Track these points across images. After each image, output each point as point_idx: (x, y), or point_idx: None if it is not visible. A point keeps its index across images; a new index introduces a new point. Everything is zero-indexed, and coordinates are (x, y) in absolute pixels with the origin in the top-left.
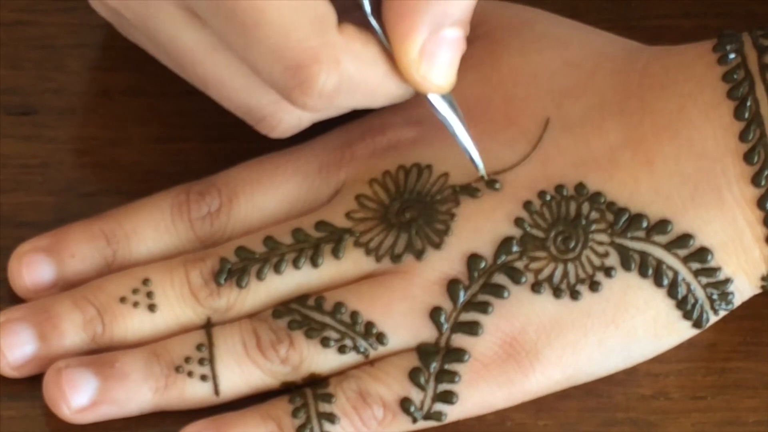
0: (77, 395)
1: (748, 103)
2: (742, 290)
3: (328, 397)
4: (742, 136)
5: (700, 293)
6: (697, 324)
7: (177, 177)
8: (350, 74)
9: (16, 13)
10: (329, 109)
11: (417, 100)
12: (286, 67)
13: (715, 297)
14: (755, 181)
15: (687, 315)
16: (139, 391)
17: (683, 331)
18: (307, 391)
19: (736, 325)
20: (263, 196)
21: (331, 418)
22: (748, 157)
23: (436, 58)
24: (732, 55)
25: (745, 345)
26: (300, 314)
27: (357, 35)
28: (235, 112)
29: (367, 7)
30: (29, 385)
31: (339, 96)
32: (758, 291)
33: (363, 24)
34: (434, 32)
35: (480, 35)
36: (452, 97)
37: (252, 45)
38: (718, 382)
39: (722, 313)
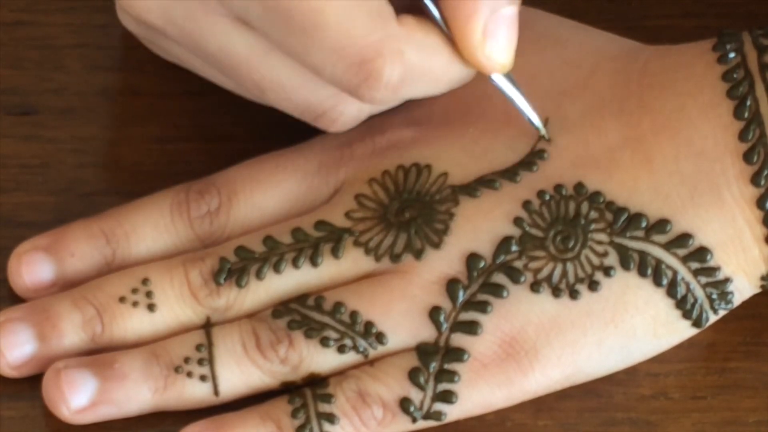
0: (76, 396)
1: (748, 103)
2: (742, 290)
3: (328, 398)
4: (742, 136)
5: (699, 293)
6: (696, 323)
7: (177, 177)
8: (414, 64)
9: (16, 13)
10: (395, 100)
11: (416, 101)
12: (350, 64)
13: (714, 296)
14: (755, 180)
15: (686, 314)
16: (138, 392)
17: (683, 330)
18: (306, 392)
19: (736, 325)
20: (263, 196)
21: (330, 418)
22: (747, 157)
23: (498, 36)
24: (732, 54)
25: (745, 345)
26: (299, 314)
27: (416, 25)
28: (293, 112)
29: (430, 3)
30: (29, 385)
31: (405, 86)
32: (758, 290)
33: (420, 13)
34: (494, 12)
35: None
36: (510, 73)
37: (312, 46)
38: (718, 382)
39: (722, 313)
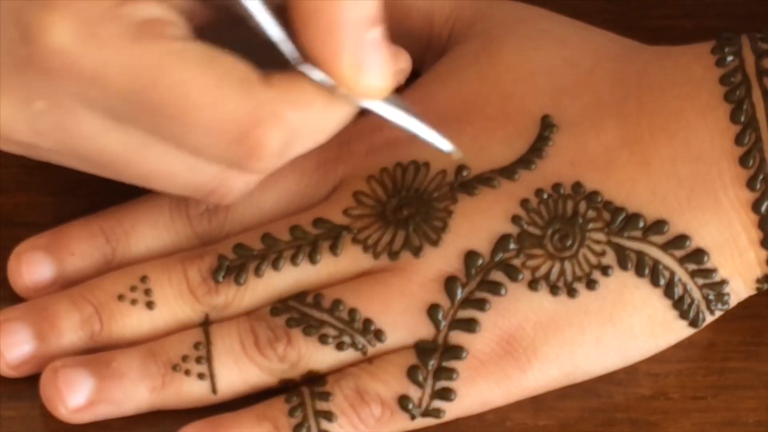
0: (74, 395)
1: (744, 107)
2: (738, 291)
3: (326, 396)
4: (738, 140)
5: (696, 294)
6: (693, 323)
7: None
8: (293, 123)
9: None
10: (281, 163)
11: (414, 99)
12: (230, 141)
13: (711, 297)
14: (750, 184)
15: (683, 315)
16: (135, 391)
17: (680, 330)
18: (304, 390)
19: (735, 325)
20: (261, 193)
21: (328, 416)
22: (743, 161)
23: (370, 64)
24: (730, 58)
25: (744, 345)
26: (298, 311)
27: (285, 82)
28: (183, 194)
29: (290, 52)
30: (29, 385)
31: (290, 148)
32: (753, 292)
33: (284, 67)
34: (359, 42)
35: (478, 32)
36: (394, 95)
37: (188, 131)
38: (718, 382)
39: (718, 313)
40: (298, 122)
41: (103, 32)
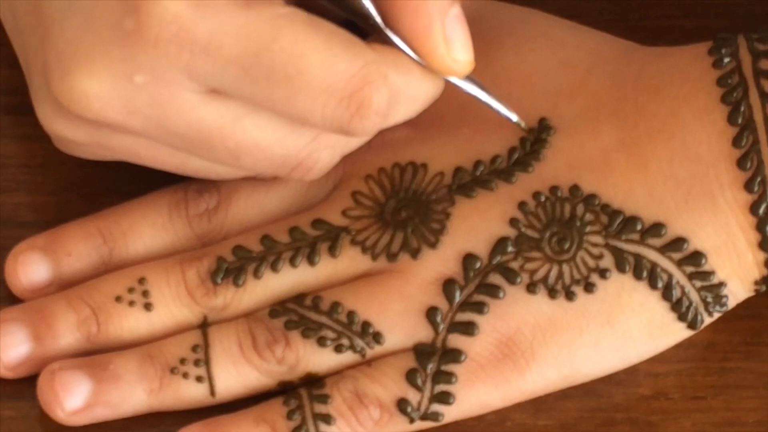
0: (71, 397)
1: (742, 109)
2: (736, 293)
3: (324, 398)
4: (735, 142)
5: (694, 296)
6: (691, 326)
7: (177, 177)
8: (397, 85)
9: None
10: (379, 128)
11: None
12: (340, 99)
13: (709, 300)
14: (748, 186)
15: (682, 317)
16: (133, 393)
17: (678, 332)
18: (302, 393)
19: (735, 325)
20: (261, 194)
21: (327, 419)
22: (741, 163)
23: (456, 38)
24: (727, 59)
25: (744, 345)
26: (297, 314)
27: (385, 48)
28: (267, 171)
29: (380, 21)
30: (29, 385)
31: (391, 111)
32: (752, 294)
33: (377, 39)
34: (445, 17)
35: (474, 34)
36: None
37: (300, 93)
38: (718, 382)
39: (716, 315)
40: (402, 85)
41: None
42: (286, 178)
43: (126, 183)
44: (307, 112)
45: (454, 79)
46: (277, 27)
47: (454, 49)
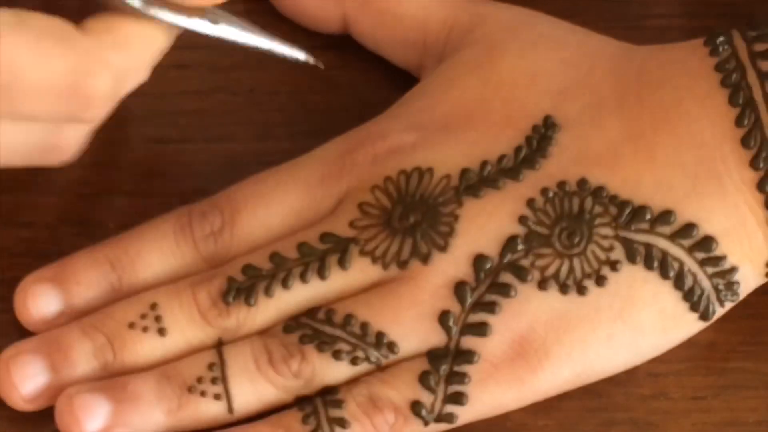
0: (91, 420)
1: (742, 89)
2: (747, 279)
3: (339, 403)
4: (738, 122)
5: (706, 284)
6: (703, 316)
7: (177, 177)
8: (118, 64)
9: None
10: (113, 105)
11: (416, 106)
12: (63, 96)
13: (721, 287)
14: (754, 164)
15: (693, 307)
16: (152, 414)
17: (690, 324)
18: (316, 399)
19: (736, 325)
20: (266, 212)
21: (342, 423)
22: (745, 142)
23: None
24: (723, 47)
25: (745, 345)
26: (311, 328)
27: (100, 25)
28: (22, 163)
29: None
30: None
31: (119, 89)
32: (764, 279)
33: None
34: None
35: (477, 38)
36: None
37: (20, 97)
38: (718, 382)
39: (728, 305)
40: (123, 63)
41: None
42: (48, 163)
43: (126, 183)
44: (34, 114)
45: (196, 26)
46: None
47: None
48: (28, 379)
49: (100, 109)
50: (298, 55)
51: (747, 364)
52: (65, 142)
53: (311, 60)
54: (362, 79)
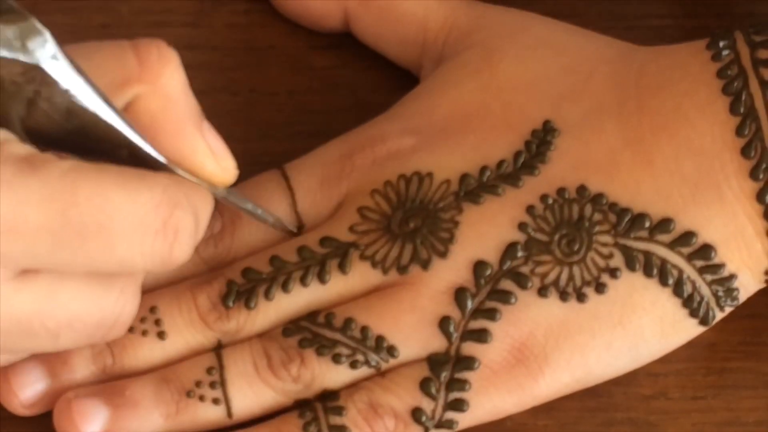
0: (89, 425)
1: (743, 98)
2: (747, 285)
3: (339, 410)
4: (739, 131)
5: (705, 291)
6: (703, 321)
7: None
8: (194, 203)
9: None
10: (190, 253)
11: (415, 109)
12: (155, 231)
13: (720, 294)
14: (753, 174)
15: (693, 313)
16: (150, 418)
17: (690, 329)
18: (317, 405)
19: (736, 325)
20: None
21: (342, 430)
22: (745, 152)
23: (219, 147)
24: (725, 52)
25: (745, 345)
26: (310, 332)
27: (166, 172)
28: (84, 343)
29: (154, 152)
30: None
31: (197, 234)
32: (763, 285)
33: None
34: (201, 129)
35: (476, 42)
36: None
37: (115, 239)
38: (718, 382)
39: (728, 310)
40: (197, 204)
41: None
42: (98, 341)
43: None
44: (127, 257)
45: (222, 195)
46: (73, 180)
47: (221, 158)
48: (27, 386)
49: (187, 247)
50: (290, 226)
51: (747, 364)
52: (128, 314)
53: (292, 228)
54: (362, 79)
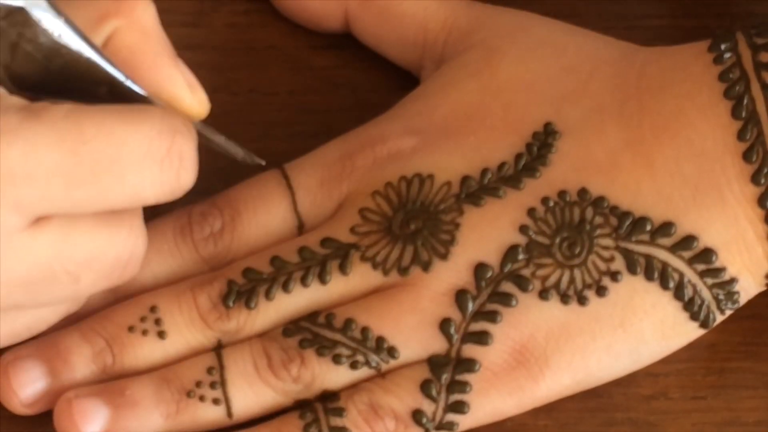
0: (89, 425)
1: (745, 102)
2: (748, 289)
3: (340, 411)
4: (740, 135)
5: (706, 294)
6: (704, 324)
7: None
8: (190, 130)
9: None
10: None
11: (416, 109)
12: (162, 159)
13: (721, 297)
14: (755, 179)
15: (694, 316)
16: (150, 418)
17: (691, 331)
18: (317, 406)
19: (736, 325)
20: (266, 215)
21: (343, 431)
22: (746, 156)
23: (193, 81)
24: (727, 55)
25: (745, 345)
26: (310, 332)
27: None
28: (100, 287)
29: (138, 88)
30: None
31: (195, 158)
32: (763, 288)
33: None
34: (176, 62)
35: (476, 42)
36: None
37: (126, 171)
38: (718, 382)
39: (728, 313)
40: (190, 131)
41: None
42: (117, 282)
43: None
44: (138, 189)
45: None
46: (76, 120)
47: (196, 90)
48: (27, 385)
49: (192, 172)
50: (247, 156)
51: (747, 364)
52: (139, 250)
53: (261, 162)
54: (362, 79)
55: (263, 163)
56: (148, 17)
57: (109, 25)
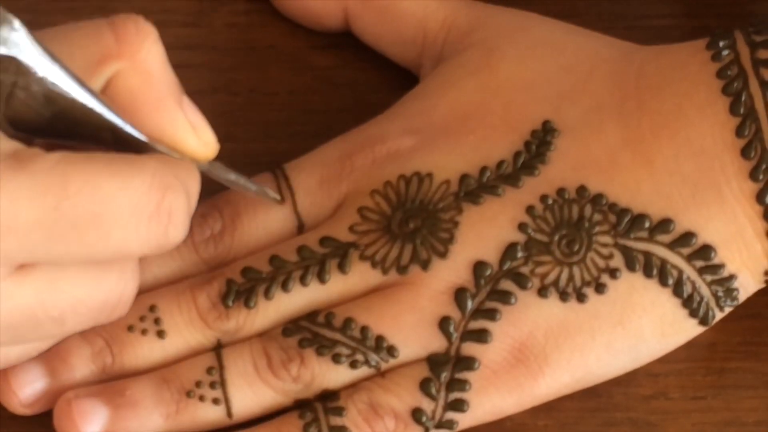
0: (89, 425)
1: (743, 99)
2: (747, 286)
3: (339, 411)
4: (739, 132)
5: (705, 291)
6: (703, 321)
7: None
8: (185, 182)
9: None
10: (184, 233)
11: (415, 109)
12: (149, 216)
13: (720, 294)
14: (753, 175)
15: (693, 313)
16: (150, 418)
17: (690, 329)
18: (317, 406)
19: (736, 325)
20: (266, 215)
21: (343, 430)
22: (745, 153)
23: (198, 122)
24: (725, 52)
25: (745, 345)
26: (310, 331)
27: (153, 153)
28: (89, 324)
29: (138, 134)
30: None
31: (190, 211)
32: (762, 285)
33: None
34: (181, 104)
35: (476, 42)
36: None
37: (110, 228)
38: (718, 382)
39: (728, 310)
40: (187, 182)
41: None
42: (105, 321)
43: None
44: (123, 244)
45: (207, 168)
46: (62, 172)
47: (202, 133)
48: (27, 385)
49: (182, 228)
50: (273, 195)
51: (747, 364)
52: (129, 295)
53: (277, 197)
54: (362, 79)
55: (278, 198)
56: (153, 58)
57: (110, 67)
